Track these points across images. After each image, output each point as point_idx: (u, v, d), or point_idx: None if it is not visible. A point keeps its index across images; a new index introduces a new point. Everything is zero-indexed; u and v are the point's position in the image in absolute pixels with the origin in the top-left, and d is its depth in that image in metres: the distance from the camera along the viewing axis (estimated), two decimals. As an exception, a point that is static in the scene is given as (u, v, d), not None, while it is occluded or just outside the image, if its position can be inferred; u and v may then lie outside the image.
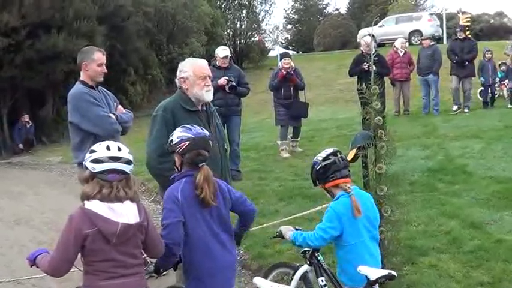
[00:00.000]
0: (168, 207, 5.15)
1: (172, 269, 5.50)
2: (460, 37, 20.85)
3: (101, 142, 4.80)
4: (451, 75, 21.06)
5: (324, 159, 5.68)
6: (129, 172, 4.71)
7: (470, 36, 23.10)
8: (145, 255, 5.04)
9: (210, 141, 5.31)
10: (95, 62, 7.84)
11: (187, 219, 5.13)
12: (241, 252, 8.92)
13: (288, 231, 5.99)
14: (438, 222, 9.34)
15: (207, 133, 5.37)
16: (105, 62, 7.97)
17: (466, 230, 8.87)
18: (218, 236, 5.26)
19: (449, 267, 7.65)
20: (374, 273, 5.29)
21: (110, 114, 7.79)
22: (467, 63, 20.41)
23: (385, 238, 6.75)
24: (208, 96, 6.64)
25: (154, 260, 5.26)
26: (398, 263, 7.20)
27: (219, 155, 6.57)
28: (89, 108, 7.66)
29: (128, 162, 4.70)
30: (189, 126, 5.37)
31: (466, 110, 20.43)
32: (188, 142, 5.23)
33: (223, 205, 5.34)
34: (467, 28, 51.31)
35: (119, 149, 4.70)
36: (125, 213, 4.60)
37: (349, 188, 5.58)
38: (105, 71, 7.97)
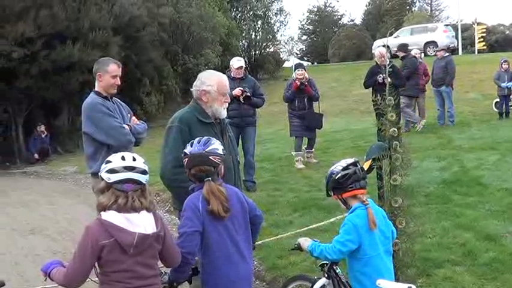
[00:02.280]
0: (187, 216, 5.15)
1: (187, 282, 5.48)
2: (399, 56, 20.43)
3: (116, 153, 4.81)
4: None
5: (344, 168, 5.62)
6: (144, 182, 4.72)
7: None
8: (161, 265, 5.04)
9: (212, 157, 5.24)
10: (108, 73, 7.85)
11: (208, 228, 5.14)
12: (256, 263, 8.90)
13: (305, 242, 5.95)
14: (453, 234, 9.29)
15: (214, 147, 5.31)
16: (119, 74, 7.97)
17: (481, 242, 8.82)
18: (238, 245, 5.26)
19: (464, 279, 7.61)
20: (393, 287, 5.26)
21: (124, 125, 7.80)
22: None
23: (400, 250, 6.72)
24: (225, 113, 6.65)
25: (168, 271, 5.26)
26: (413, 275, 7.16)
27: (232, 166, 6.55)
28: (102, 119, 7.67)
29: (143, 172, 4.71)
30: (197, 140, 5.39)
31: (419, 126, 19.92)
32: (187, 159, 5.30)
33: (243, 213, 5.37)
34: (482, 39, 51.46)
35: (134, 159, 4.71)
36: (141, 223, 4.61)
37: (366, 199, 5.55)
38: (119, 83, 7.96)
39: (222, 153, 5.32)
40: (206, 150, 5.25)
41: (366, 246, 5.42)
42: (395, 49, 21.54)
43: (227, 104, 6.69)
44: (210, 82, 6.58)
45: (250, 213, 5.46)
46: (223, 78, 6.80)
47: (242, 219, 5.35)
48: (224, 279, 5.21)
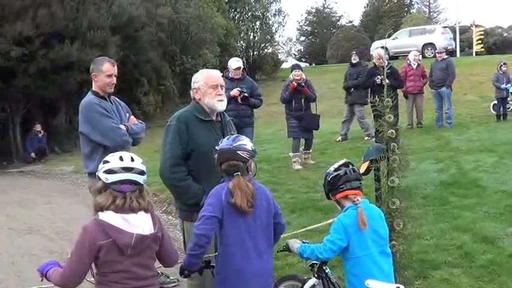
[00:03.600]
0: (209, 202, 5.24)
1: (198, 273, 5.47)
2: (353, 61, 20.08)
3: (114, 153, 4.81)
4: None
5: (336, 169, 5.69)
6: (142, 183, 4.73)
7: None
8: (157, 266, 5.04)
9: (240, 152, 5.30)
10: (103, 73, 7.84)
11: (227, 221, 5.20)
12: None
13: (295, 243, 5.98)
14: (450, 236, 9.29)
15: (243, 143, 5.38)
16: (115, 73, 7.94)
17: (479, 244, 8.82)
18: (257, 243, 5.29)
19: (461, 281, 7.61)
20: (382, 287, 5.26)
21: (120, 126, 7.77)
22: (352, 89, 19.55)
23: (397, 252, 6.71)
24: (221, 105, 6.63)
25: (166, 272, 5.26)
26: (410, 276, 7.17)
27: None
28: (99, 119, 7.65)
29: (141, 172, 4.71)
30: (226, 137, 5.55)
31: (366, 138, 19.31)
32: (216, 155, 5.37)
33: (267, 213, 5.41)
34: (480, 41, 51.48)
35: (132, 160, 4.71)
36: (139, 224, 4.61)
37: (357, 200, 5.55)
38: (114, 82, 7.94)
39: (250, 149, 5.37)
40: (234, 145, 5.33)
41: (354, 245, 5.43)
42: (354, 52, 21.16)
43: (222, 97, 6.66)
44: (198, 79, 6.66)
45: (275, 218, 5.50)
46: (210, 71, 6.91)
47: (265, 219, 5.39)
48: (236, 273, 5.23)
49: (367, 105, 19.03)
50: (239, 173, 5.26)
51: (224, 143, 5.38)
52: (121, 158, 4.69)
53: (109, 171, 4.62)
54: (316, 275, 6.07)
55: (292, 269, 8.35)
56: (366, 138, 19.21)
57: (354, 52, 21.26)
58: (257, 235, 5.29)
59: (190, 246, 5.17)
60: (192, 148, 6.31)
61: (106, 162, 4.69)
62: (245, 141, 5.40)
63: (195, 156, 6.29)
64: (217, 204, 5.17)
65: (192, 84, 6.70)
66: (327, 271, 6.00)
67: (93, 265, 4.61)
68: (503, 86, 21.83)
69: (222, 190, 5.23)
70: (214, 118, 6.63)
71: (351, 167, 5.72)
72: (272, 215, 5.45)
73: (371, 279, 5.35)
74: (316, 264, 6.03)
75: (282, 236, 5.87)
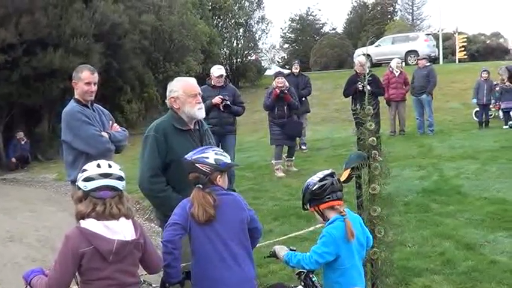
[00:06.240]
0: (174, 211, 5.28)
1: (179, 285, 5.48)
2: (295, 72, 19.93)
3: (93, 161, 4.82)
4: None
5: (321, 179, 5.63)
6: (121, 188, 4.74)
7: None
8: (141, 273, 5.04)
9: (199, 165, 5.27)
10: (82, 80, 7.85)
11: (194, 230, 5.20)
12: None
13: (282, 250, 5.92)
14: (432, 243, 9.33)
15: (204, 156, 5.33)
16: (94, 81, 7.94)
17: (460, 251, 8.87)
18: (232, 251, 5.25)
19: (442, 288, 7.65)
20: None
21: (103, 133, 7.78)
22: (303, 99, 19.29)
23: (379, 259, 6.73)
24: (201, 113, 6.67)
25: (148, 279, 5.26)
26: (392, 284, 7.18)
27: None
28: (80, 127, 7.66)
29: (120, 178, 4.73)
30: (195, 149, 5.53)
31: (303, 147, 19.67)
32: (184, 164, 5.36)
33: (240, 220, 5.36)
34: (463, 48, 51.70)
35: (110, 166, 4.73)
36: (120, 230, 4.62)
37: (343, 210, 5.54)
38: (93, 90, 7.94)
39: (213, 162, 5.31)
40: (193, 158, 5.33)
41: (343, 257, 5.42)
42: (296, 62, 21.02)
43: (201, 105, 6.69)
44: (176, 88, 6.66)
45: (250, 224, 5.46)
46: (189, 80, 6.91)
47: (238, 226, 5.34)
48: (215, 283, 5.21)
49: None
50: (200, 186, 5.27)
51: (189, 154, 5.40)
52: (98, 165, 4.72)
53: (87, 179, 4.64)
54: (302, 283, 6.07)
55: (275, 276, 8.37)
56: (304, 147, 19.51)
57: (296, 61, 21.24)
58: (231, 244, 5.27)
59: (162, 257, 5.16)
60: (171, 159, 6.33)
61: (84, 170, 4.72)
62: (208, 154, 5.37)
63: (174, 167, 6.28)
64: (182, 213, 5.20)
65: (168, 93, 6.71)
66: (313, 279, 5.99)
67: (77, 273, 4.61)
68: (474, 100, 22.45)
69: (188, 201, 5.27)
70: (192, 127, 6.65)
71: (335, 177, 5.71)
72: (246, 222, 5.41)
73: (353, 286, 5.38)
74: (303, 272, 6.00)
75: (264, 243, 5.85)
